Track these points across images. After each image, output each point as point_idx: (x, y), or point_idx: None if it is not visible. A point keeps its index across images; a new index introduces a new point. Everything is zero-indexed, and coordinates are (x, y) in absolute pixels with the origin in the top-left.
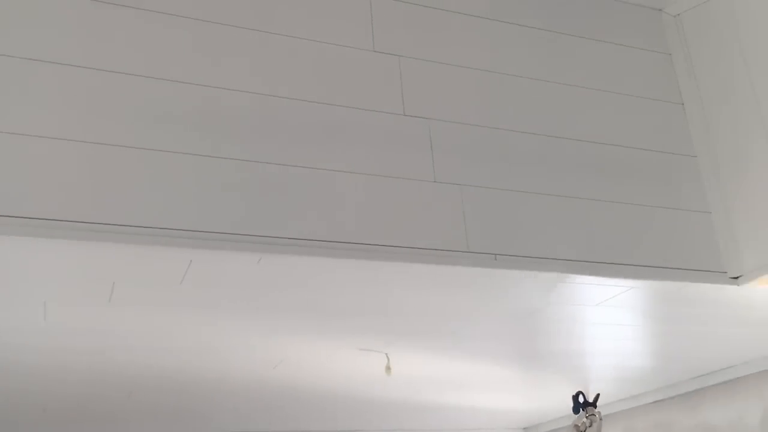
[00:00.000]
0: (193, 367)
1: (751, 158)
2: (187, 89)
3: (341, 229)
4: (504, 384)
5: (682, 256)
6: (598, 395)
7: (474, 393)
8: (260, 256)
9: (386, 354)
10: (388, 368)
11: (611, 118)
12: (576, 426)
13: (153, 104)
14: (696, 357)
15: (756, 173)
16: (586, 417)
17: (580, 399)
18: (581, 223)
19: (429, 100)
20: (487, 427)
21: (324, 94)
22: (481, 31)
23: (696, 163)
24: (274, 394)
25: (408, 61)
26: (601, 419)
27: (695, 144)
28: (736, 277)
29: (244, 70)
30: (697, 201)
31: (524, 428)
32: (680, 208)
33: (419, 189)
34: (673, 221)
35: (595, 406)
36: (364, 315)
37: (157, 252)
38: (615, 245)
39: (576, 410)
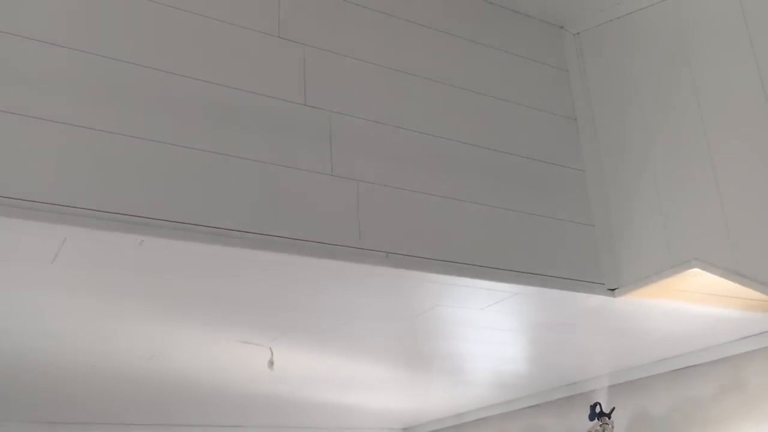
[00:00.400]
0: (64, 352)
1: (634, 175)
2: (84, 59)
3: (232, 215)
4: (387, 384)
5: (566, 266)
6: (613, 408)
7: (357, 392)
8: (143, 239)
9: (270, 348)
10: (271, 363)
11: (507, 127)
12: None
13: (43, 75)
14: (570, 365)
15: (637, 189)
16: (600, 425)
17: (597, 409)
18: (472, 227)
19: (331, 92)
20: (369, 427)
21: (224, 76)
22: (387, 28)
23: (584, 177)
24: (150, 386)
25: (313, 51)
26: (612, 428)
27: (584, 158)
28: (613, 289)
29: (140, 41)
30: (583, 214)
31: (404, 428)
32: (566, 219)
33: (315, 181)
34: (559, 231)
35: (610, 417)
36: (249, 306)
37: (28, 227)
38: (503, 251)
39: (591, 418)
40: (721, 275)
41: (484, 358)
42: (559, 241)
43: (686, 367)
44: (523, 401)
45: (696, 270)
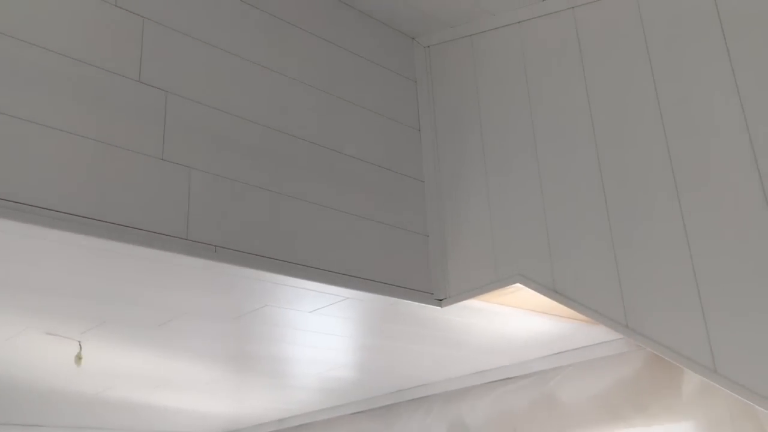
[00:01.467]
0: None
1: (469, 189)
2: None
3: (48, 193)
4: (207, 385)
5: (398, 274)
6: None
7: (174, 393)
8: None
9: (79, 342)
10: (79, 357)
11: (351, 129)
12: None
13: None
14: (396, 373)
15: (471, 204)
16: None
17: None
18: (306, 226)
19: (169, 71)
20: (185, 431)
21: (54, 41)
22: (231, 12)
23: (423, 187)
24: None
25: (152, 25)
26: None
27: (425, 169)
28: (441, 299)
29: None
30: (419, 223)
31: None
32: (402, 227)
33: (144, 164)
34: (395, 239)
35: None
36: (59, 295)
37: None
38: (337, 254)
39: None
40: (540, 291)
41: (311, 363)
42: (393, 249)
43: (502, 380)
44: (348, 407)
45: (518, 285)
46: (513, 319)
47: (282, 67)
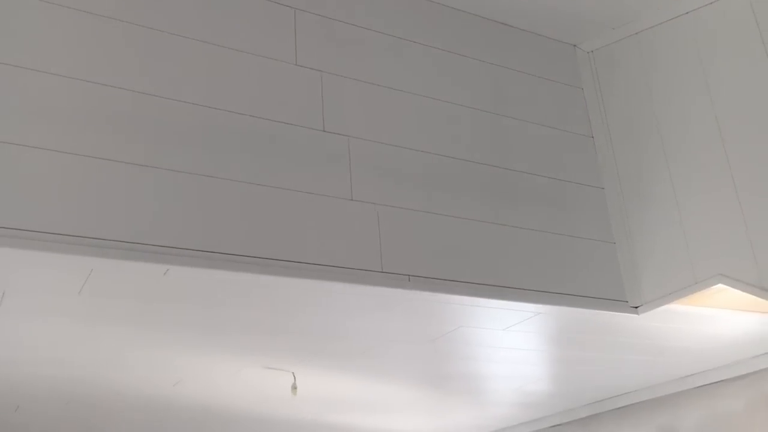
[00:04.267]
0: (89, 380)
1: (653, 192)
2: (108, 92)
3: (253, 242)
4: (409, 406)
5: (588, 284)
6: None
7: (379, 414)
8: (167, 268)
9: (293, 373)
10: (294, 388)
11: (524, 147)
12: None
13: (55, 106)
14: (594, 383)
15: (657, 206)
16: None
17: None
18: (493, 248)
19: (349, 118)
20: None
21: (243, 104)
22: (400, 52)
23: (603, 194)
24: (175, 412)
25: (330, 77)
26: None
27: (603, 176)
28: (637, 307)
29: (167, 76)
30: (603, 231)
31: None
32: (587, 237)
33: (336, 206)
34: (580, 250)
35: None
36: (272, 332)
37: (55, 259)
38: (524, 271)
39: None
40: (746, 290)
41: (507, 378)
42: (580, 260)
43: (713, 383)
44: (548, 420)
45: (720, 286)
46: (717, 320)
47: (448, 95)
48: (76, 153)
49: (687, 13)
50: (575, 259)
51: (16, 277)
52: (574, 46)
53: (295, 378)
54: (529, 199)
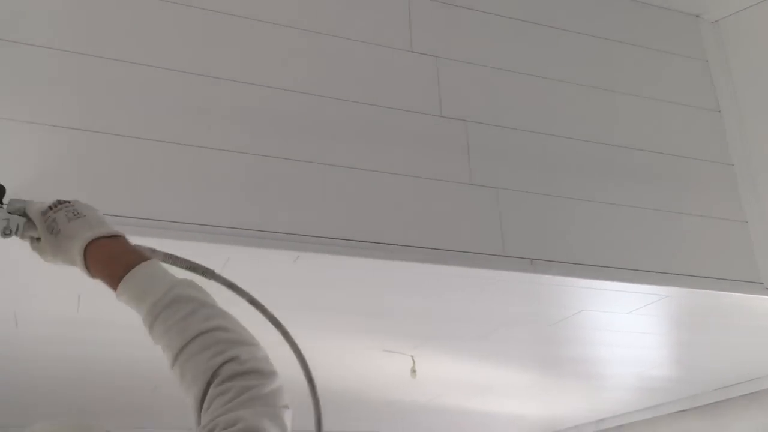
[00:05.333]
0: None
1: None
2: (236, 87)
3: (377, 229)
4: (526, 389)
5: (719, 266)
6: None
7: (495, 398)
8: (298, 255)
9: (412, 356)
10: (413, 371)
11: (648, 125)
12: None
13: (201, 101)
14: (721, 368)
15: None
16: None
17: None
18: (618, 230)
19: (466, 102)
20: None
21: (361, 93)
22: (518, 34)
23: (733, 171)
24: (296, 393)
25: (445, 62)
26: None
27: (732, 151)
28: None
29: (289, 68)
30: (734, 210)
31: None
32: (716, 216)
33: (455, 191)
34: (710, 230)
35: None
36: (393, 316)
37: (195, 248)
38: (650, 252)
39: None
40: None
41: (628, 362)
42: (709, 240)
43: None
44: (669, 406)
45: None
46: None
47: (565, 74)
48: (210, 147)
49: None
50: (704, 239)
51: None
52: (697, 16)
53: (414, 361)
54: (654, 178)
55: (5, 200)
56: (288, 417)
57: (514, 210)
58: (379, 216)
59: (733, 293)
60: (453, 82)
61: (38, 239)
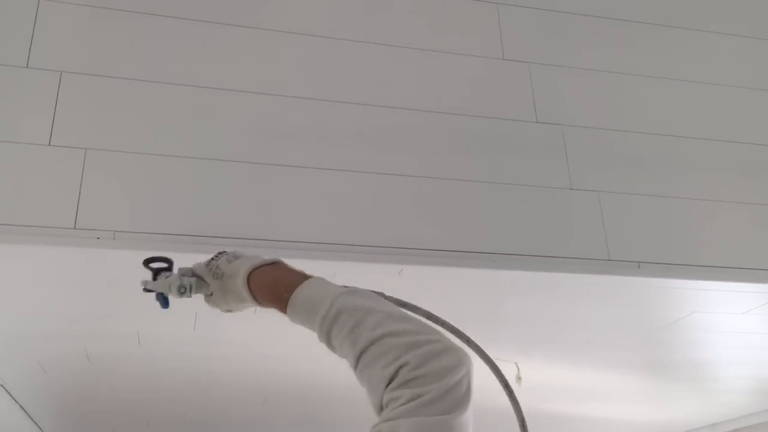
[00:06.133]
0: (324, 375)
1: None
2: (306, 104)
3: (479, 239)
4: (633, 394)
5: None
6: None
7: (603, 403)
8: (401, 268)
9: (516, 363)
10: (518, 378)
11: (747, 116)
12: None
13: (272, 121)
14: None
15: None
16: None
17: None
18: (726, 228)
19: (560, 106)
20: None
21: (458, 104)
22: (606, 33)
23: None
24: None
25: (537, 68)
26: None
27: None
28: None
29: (384, 86)
30: None
31: None
32: None
33: (556, 197)
34: None
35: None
36: (498, 324)
37: (303, 265)
38: (760, 250)
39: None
40: None
41: (742, 364)
42: None
43: None
44: None
45: None
46: None
47: (669, 71)
48: (303, 167)
49: None
50: None
51: None
52: None
53: (518, 368)
54: (756, 172)
55: (174, 269)
56: (462, 422)
57: (616, 212)
58: (480, 225)
59: None
60: (546, 87)
61: (210, 294)
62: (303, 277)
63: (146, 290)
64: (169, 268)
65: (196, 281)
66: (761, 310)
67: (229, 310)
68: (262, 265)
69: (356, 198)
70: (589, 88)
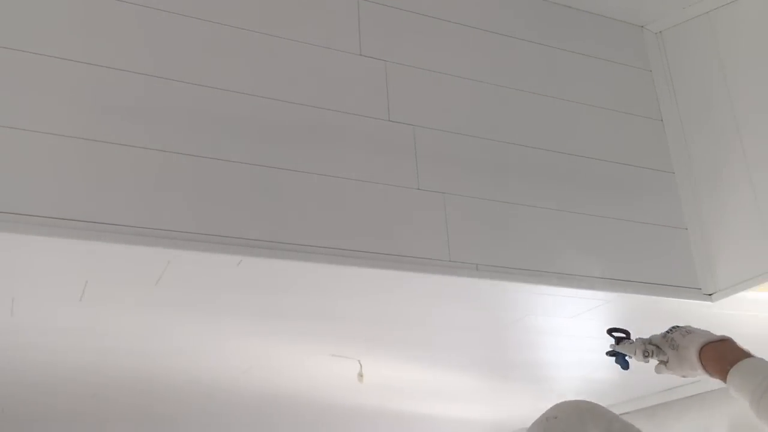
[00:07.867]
0: (161, 368)
1: (727, 176)
2: (179, 87)
3: (323, 233)
4: (472, 394)
5: (659, 271)
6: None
7: (443, 402)
8: (240, 259)
9: (359, 361)
10: (360, 375)
11: (591, 132)
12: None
13: (140, 102)
14: None
15: (731, 191)
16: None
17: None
18: (559, 235)
19: (414, 107)
20: None
21: (309, 96)
22: (466, 41)
23: (673, 179)
24: (244, 399)
25: (394, 66)
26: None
27: (673, 160)
28: (710, 294)
29: (235, 70)
30: (674, 217)
31: None
32: (657, 223)
33: (402, 196)
34: (650, 236)
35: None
36: (339, 321)
37: (135, 252)
38: (594, 258)
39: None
40: None
41: (573, 366)
42: (651, 247)
43: None
44: (615, 408)
45: None
46: None
47: (517, 82)
48: (154, 149)
49: None
50: (645, 245)
51: (98, 269)
52: (642, 27)
53: (361, 366)
54: (596, 186)
55: (632, 337)
56: None
57: (460, 215)
58: (325, 219)
59: (673, 298)
60: (401, 87)
61: (665, 361)
62: (744, 355)
63: (610, 353)
64: (628, 336)
65: (655, 348)
66: (589, 314)
67: (684, 376)
68: (711, 341)
69: (192, 185)
70: (442, 91)
